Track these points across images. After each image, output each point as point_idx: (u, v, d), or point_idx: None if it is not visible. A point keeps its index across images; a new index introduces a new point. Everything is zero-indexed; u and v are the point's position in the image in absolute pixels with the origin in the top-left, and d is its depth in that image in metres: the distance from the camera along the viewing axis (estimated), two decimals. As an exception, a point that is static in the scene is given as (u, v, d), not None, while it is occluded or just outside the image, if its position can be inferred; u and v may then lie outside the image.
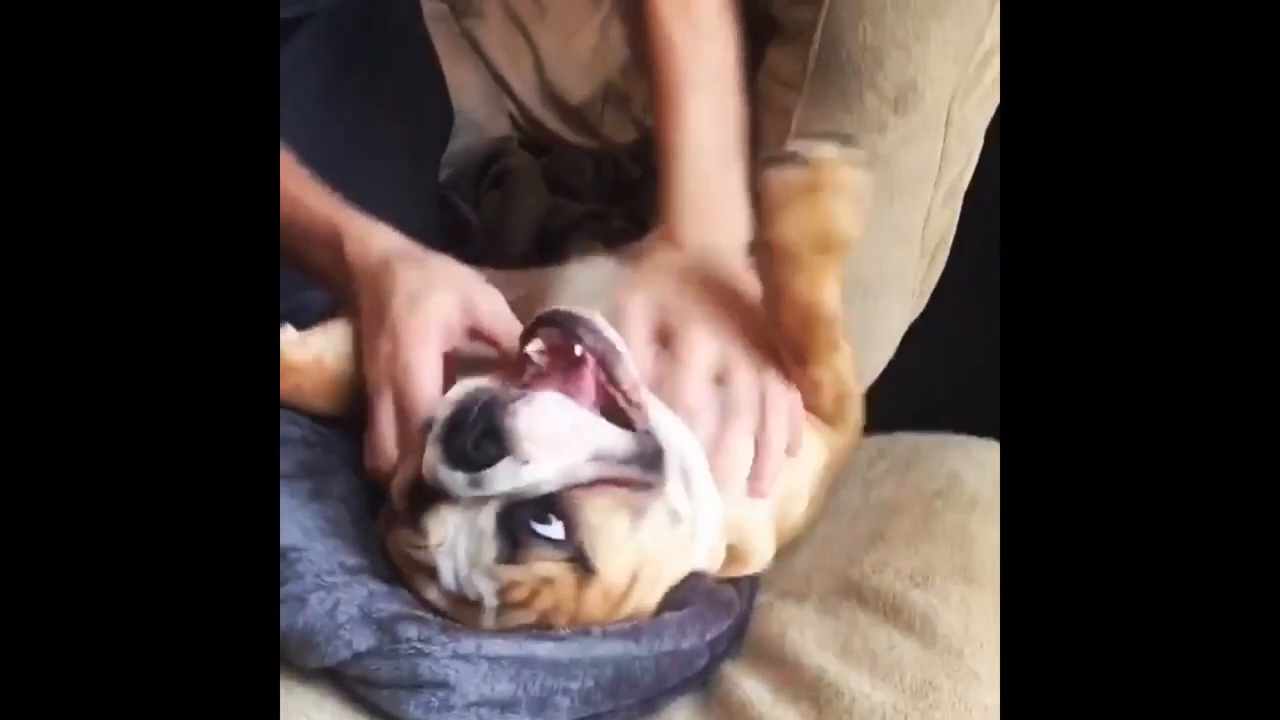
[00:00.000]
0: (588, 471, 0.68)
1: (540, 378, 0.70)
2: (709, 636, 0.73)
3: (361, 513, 0.78)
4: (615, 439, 0.69)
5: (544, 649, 0.68)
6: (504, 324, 0.78)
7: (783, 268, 0.72)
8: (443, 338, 0.77)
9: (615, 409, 0.70)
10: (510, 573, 0.67)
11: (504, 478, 0.65)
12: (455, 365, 0.78)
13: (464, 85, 1.40)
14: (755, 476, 0.76)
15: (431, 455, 0.67)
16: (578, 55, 1.60)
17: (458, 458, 0.66)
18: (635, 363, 0.72)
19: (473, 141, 1.40)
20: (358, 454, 0.81)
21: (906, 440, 0.94)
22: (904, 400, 0.93)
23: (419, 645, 0.67)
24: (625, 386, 0.70)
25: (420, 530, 0.68)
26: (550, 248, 1.31)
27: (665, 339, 0.76)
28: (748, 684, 0.73)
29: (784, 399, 0.76)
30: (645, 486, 0.70)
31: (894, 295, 0.92)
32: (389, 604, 0.70)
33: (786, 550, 0.83)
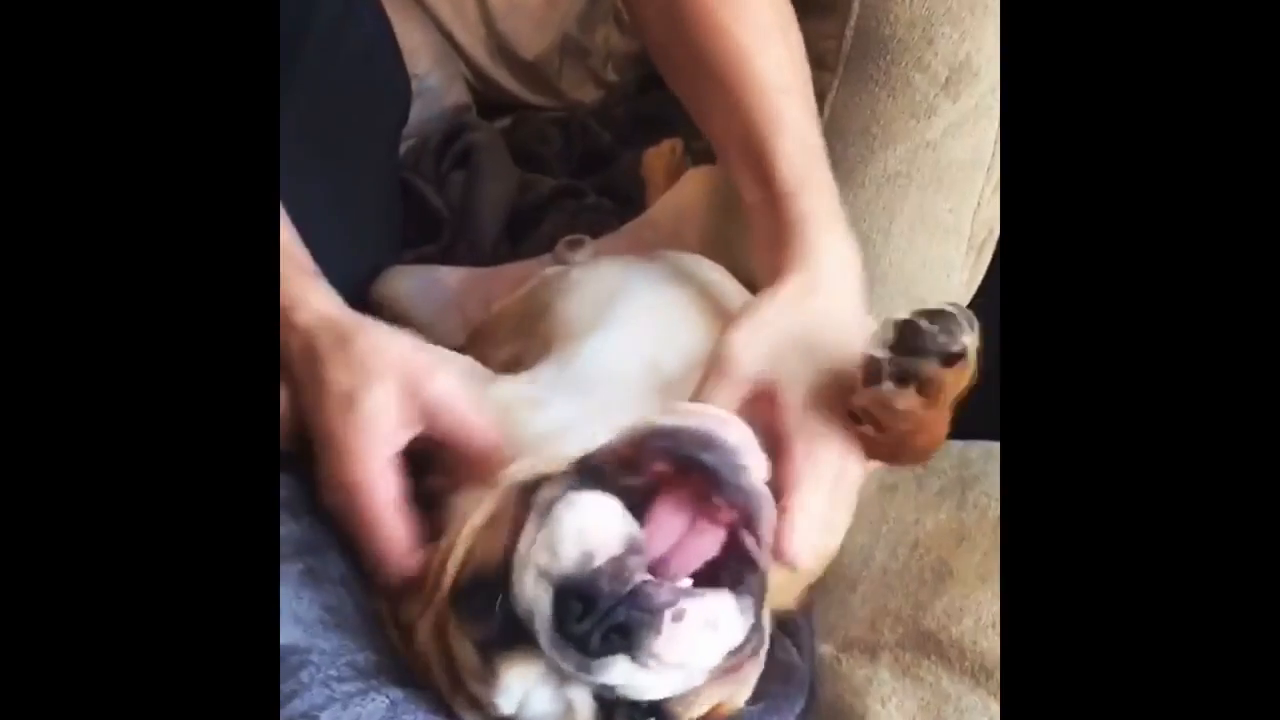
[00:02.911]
0: (705, 675, 0.58)
1: (664, 493, 0.58)
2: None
3: (362, 596, 0.67)
4: (739, 633, 0.58)
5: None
6: (456, 410, 0.67)
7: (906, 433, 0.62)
8: (388, 442, 0.66)
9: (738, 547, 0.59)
10: None
11: (619, 675, 0.56)
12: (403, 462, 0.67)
13: (415, 49, 1.27)
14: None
15: (538, 614, 0.56)
16: (529, 4, 1.49)
17: (574, 639, 0.55)
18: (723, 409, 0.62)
19: (431, 111, 1.29)
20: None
21: (951, 450, 0.85)
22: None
23: (466, 769, 0.58)
24: (766, 543, 0.59)
25: (492, 673, 0.57)
26: (522, 228, 1.20)
27: (763, 399, 0.66)
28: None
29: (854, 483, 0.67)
30: (752, 659, 0.61)
31: (938, 293, 0.82)
32: (416, 715, 0.60)
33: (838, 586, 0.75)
